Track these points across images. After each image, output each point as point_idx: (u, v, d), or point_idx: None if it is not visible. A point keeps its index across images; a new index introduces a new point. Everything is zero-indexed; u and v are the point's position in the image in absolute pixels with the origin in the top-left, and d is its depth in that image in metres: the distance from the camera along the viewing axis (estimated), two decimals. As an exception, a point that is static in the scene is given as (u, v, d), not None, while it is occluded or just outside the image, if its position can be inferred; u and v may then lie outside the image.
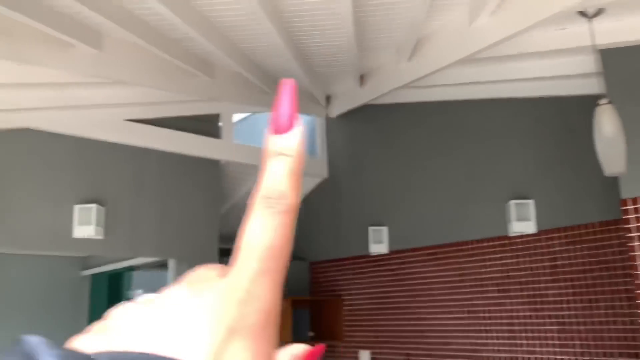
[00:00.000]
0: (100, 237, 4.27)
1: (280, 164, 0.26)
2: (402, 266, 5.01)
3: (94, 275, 6.55)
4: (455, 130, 4.75)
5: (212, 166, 5.15)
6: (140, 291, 9.55)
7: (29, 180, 4.07)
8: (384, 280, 5.16)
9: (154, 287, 9.85)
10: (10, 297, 6.02)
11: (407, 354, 4.84)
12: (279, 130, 0.26)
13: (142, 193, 4.65)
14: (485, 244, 4.40)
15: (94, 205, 4.19)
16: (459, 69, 4.12)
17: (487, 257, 4.37)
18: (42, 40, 3.15)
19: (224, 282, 0.26)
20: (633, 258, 3.20)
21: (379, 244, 5.17)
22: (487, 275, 4.34)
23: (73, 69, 3.30)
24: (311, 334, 5.66)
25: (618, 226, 3.57)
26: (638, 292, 3.16)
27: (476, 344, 4.33)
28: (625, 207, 3.26)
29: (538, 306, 3.99)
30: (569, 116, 4.00)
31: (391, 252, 5.13)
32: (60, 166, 4.23)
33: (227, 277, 0.26)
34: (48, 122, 4.15)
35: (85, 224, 4.14)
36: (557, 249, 3.94)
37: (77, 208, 4.18)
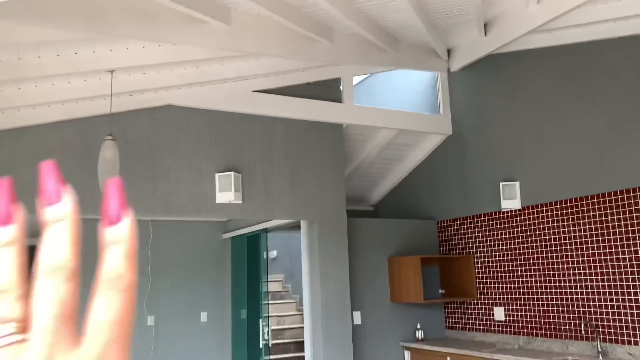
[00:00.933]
0: (239, 201, 4.58)
1: (116, 250, 0.31)
2: (537, 221, 4.80)
3: (234, 238, 7.06)
4: (594, 73, 4.38)
5: (335, 130, 5.26)
6: (274, 251, 10.14)
7: (175, 153, 4.46)
8: (519, 237, 4.99)
9: (286, 247, 10.38)
10: (163, 259, 6.72)
11: (546, 312, 4.67)
12: (111, 222, 0.32)
13: (273, 159, 4.89)
14: (632, 195, 4.06)
15: (231, 173, 4.50)
16: (597, 5, 3.78)
17: (634, 208, 4.04)
18: (177, 20, 3.40)
19: (78, 353, 0.30)
20: None
21: (511, 200, 4.99)
22: (635, 228, 4.02)
23: (207, 45, 3.52)
24: (442, 291, 5.67)
25: None
26: None
27: (624, 301, 4.06)
28: None
29: (698, 260, 3.64)
30: None
31: (524, 208, 4.93)
32: (200, 138, 4.58)
33: (81, 348, 0.30)
34: (187, 98, 4.49)
35: (226, 190, 4.47)
36: None
37: (217, 176, 4.52)
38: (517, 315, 4.95)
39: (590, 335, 4.30)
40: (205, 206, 4.52)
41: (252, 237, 6.67)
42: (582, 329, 4.24)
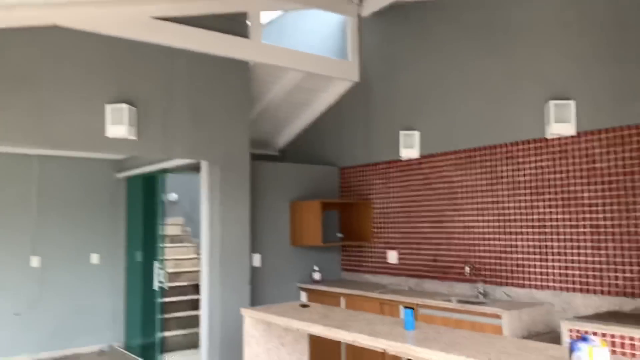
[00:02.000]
0: (133, 137, 4.31)
1: None
2: (433, 170, 4.98)
3: (130, 178, 6.73)
4: (494, 27, 4.50)
5: (241, 67, 5.05)
6: (174, 194, 9.83)
7: (60, 79, 4.06)
8: (415, 185, 5.15)
9: (188, 190, 10.09)
10: (52, 197, 6.28)
11: (435, 255, 4.93)
12: None
13: (173, 94, 4.62)
14: (520, 147, 4.30)
15: (125, 105, 4.19)
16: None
17: (521, 160, 4.28)
18: None
19: None
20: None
21: (410, 149, 5.12)
22: (521, 179, 4.28)
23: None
24: (340, 234, 5.79)
25: (664, 127, 3.42)
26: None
27: (506, 246, 4.36)
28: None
29: (572, 209, 3.95)
30: (619, 9, 3.72)
31: (422, 157, 5.08)
32: (90, 65, 4.20)
33: None
34: (76, 19, 4.06)
35: (118, 124, 4.17)
36: (597, 151, 3.82)
37: (108, 108, 4.20)
38: (410, 259, 5.18)
39: (473, 278, 4.59)
40: (95, 140, 4.20)
41: (149, 178, 6.38)
42: (466, 271, 4.52)
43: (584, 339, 2.04)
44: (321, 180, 5.88)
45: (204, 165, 5.10)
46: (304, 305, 3.65)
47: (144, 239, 6.57)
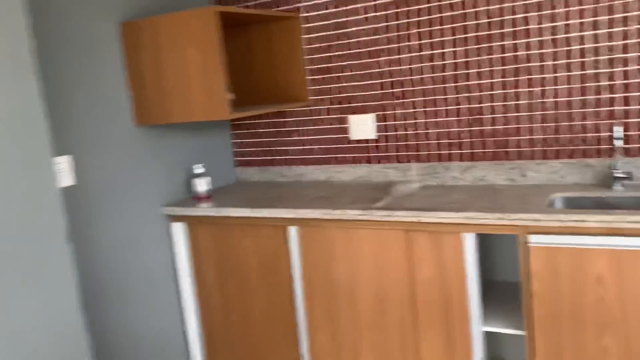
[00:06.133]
0: None
1: None
2: None
3: None
4: None
5: None
6: None
7: None
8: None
9: None
10: None
11: (473, 112, 2.41)
12: None
13: None
14: None
15: None
16: None
17: None
18: None
19: None
20: None
21: None
22: None
23: None
24: (230, 95, 2.80)
25: None
26: None
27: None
28: None
29: None
30: None
31: None
32: None
33: None
34: None
35: None
36: None
37: None
38: (410, 125, 2.56)
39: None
40: None
41: None
42: (617, 142, 2.15)
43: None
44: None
45: None
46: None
47: None
